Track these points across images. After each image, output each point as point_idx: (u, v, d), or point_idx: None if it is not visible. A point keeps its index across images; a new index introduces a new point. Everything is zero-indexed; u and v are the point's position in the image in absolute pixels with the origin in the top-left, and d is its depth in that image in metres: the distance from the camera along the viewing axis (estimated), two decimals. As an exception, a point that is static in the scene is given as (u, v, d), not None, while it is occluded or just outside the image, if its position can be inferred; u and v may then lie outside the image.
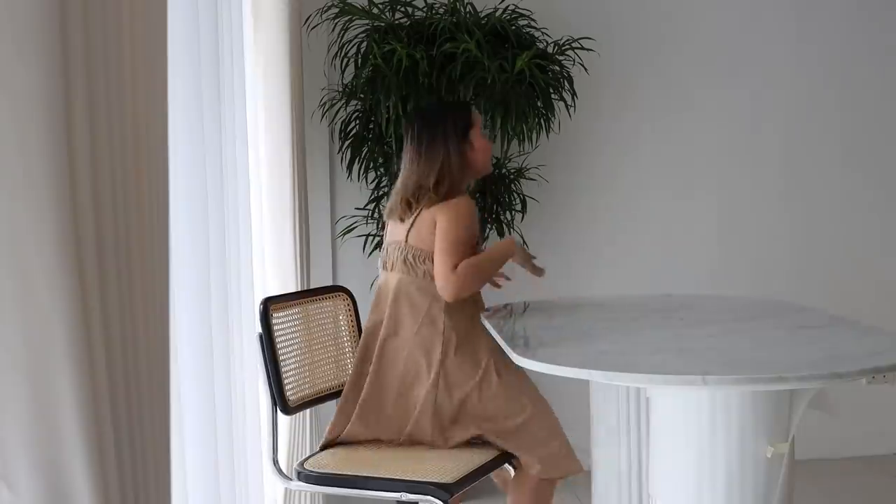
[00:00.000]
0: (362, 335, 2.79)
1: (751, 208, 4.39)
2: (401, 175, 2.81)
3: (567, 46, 3.92)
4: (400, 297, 2.72)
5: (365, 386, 2.69)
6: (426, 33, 3.72)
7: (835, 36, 4.38)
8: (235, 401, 2.58)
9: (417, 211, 2.72)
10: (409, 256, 2.72)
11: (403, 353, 2.69)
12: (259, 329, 2.59)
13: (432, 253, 2.67)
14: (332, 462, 2.61)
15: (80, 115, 1.12)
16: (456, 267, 2.63)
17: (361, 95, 3.82)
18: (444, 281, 2.63)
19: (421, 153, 2.76)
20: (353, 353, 2.88)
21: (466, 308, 2.74)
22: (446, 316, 2.69)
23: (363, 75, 3.72)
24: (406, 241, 2.73)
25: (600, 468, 2.68)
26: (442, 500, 2.39)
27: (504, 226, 3.90)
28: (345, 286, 3.01)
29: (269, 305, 2.62)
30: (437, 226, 2.67)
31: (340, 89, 3.90)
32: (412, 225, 2.72)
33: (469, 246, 2.69)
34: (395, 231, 2.81)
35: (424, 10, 3.84)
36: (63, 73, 1.08)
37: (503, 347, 2.28)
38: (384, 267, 2.81)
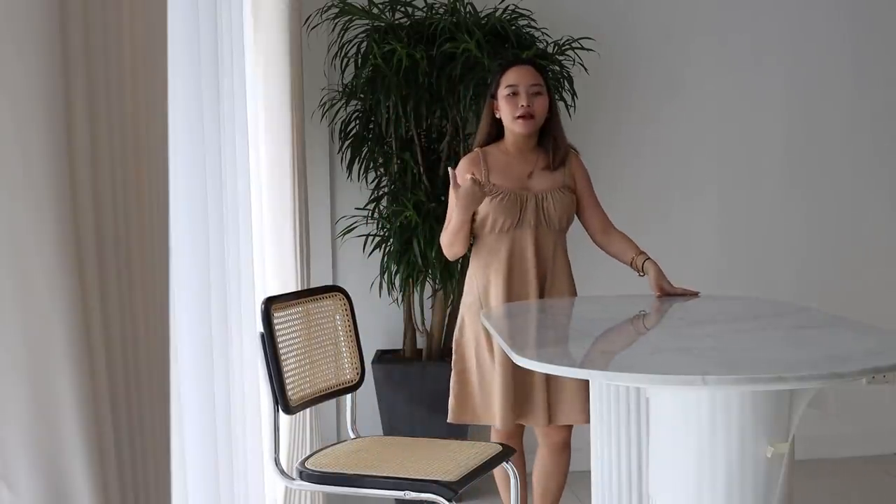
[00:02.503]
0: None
1: (752, 208, 4.39)
2: None
3: (567, 46, 3.92)
4: None
5: None
6: (426, 33, 3.72)
7: (836, 36, 4.38)
8: (235, 401, 2.58)
9: None
10: None
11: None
12: (260, 329, 2.59)
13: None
14: (333, 461, 2.61)
15: (80, 115, 1.12)
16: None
17: (361, 95, 3.82)
18: None
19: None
20: (351, 353, 2.89)
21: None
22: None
23: (363, 75, 3.72)
24: None
25: (600, 468, 2.67)
26: (446, 499, 2.39)
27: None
28: (342, 286, 3.01)
29: (271, 305, 2.62)
30: None
31: (340, 89, 3.90)
32: None
33: (452, 208, 2.95)
34: None
35: (424, 10, 3.84)
36: (63, 73, 1.08)
37: (503, 347, 2.28)
38: None
